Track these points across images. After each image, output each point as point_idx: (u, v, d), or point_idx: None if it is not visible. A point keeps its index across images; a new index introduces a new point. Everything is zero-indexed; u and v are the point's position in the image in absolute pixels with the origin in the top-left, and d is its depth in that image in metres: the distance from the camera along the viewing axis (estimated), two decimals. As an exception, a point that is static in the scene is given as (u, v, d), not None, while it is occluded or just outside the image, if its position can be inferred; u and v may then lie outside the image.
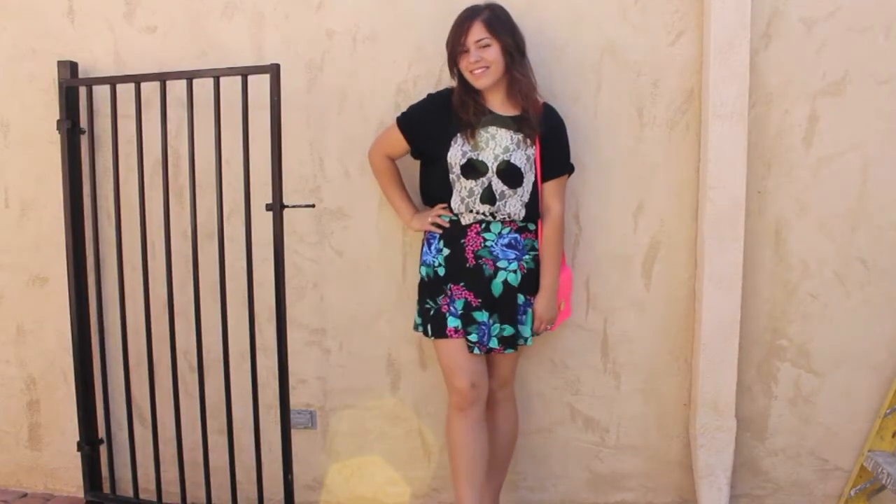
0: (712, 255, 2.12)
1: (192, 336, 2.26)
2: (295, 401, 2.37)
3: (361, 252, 2.33)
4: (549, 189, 2.05)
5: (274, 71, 2.03)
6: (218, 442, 2.31)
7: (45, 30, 2.38)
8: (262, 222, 2.20)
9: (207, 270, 2.27)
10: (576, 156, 2.21)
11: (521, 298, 2.05)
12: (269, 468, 2.29)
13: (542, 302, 2.06)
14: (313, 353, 2.39)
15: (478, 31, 1.92)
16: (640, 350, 2.28)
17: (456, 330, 2.01)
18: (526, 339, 2.07)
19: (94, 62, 2.36)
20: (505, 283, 2.02)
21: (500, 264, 2.02)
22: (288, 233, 2.27)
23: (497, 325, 2.03)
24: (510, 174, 1.99)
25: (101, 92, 2.32)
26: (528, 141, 2.00)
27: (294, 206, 2.13)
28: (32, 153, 2.43)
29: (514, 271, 2.03)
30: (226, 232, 2.23)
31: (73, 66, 2.32)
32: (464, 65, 1.96)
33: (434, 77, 2.22)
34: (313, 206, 2.21)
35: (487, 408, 2.10)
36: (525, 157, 2.00)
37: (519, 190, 2.01)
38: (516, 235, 2.04)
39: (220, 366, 2.26)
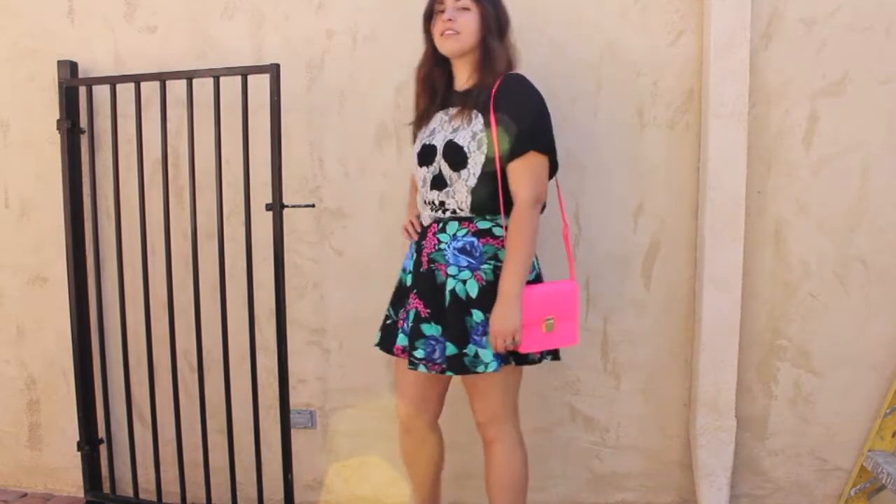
0: (712, 256, 2.12)
1: (192, 336, 2.26)
2: (295, 401, 2.38)
3: (361, 252, 2.33)
4: (511, 172, 1.71)
5: (274, 71, 2.03)
6: (218, 442, 2.31)
7: (45, 30, 2.38)
8: (262, 222, 2.20)
9: (207, 270, 2.27)
10: (576, 156, 2.21)
11: (478, 316, 1.71)
12: (269, 468, 2.30)
13: (495, 311, 1.67)
14: (313, 353, 2.39)
15: None
16: (640, 350, 2.28)
17: (403, 350, 1.80)
18: (487, 365, 1.69)
19: (94, 62, 2.37)
20: (453, 292, 1.72)
21: (449, 271, 1.73)
22: (288, 233, 2.27)
23: (448, 342, 1.71)
24: (453, 154, 1.74)
25: (101, 92, 2.32)
26: (474, 115, 1.74)
27: (294, 206, 2.13)
28: (32, 153, 2.44)
29: (465, 281, 1.72)
30: (226, 232, 2.23)
31: (73, 66, 2.32)
32: (437, 26, 1.77)
33: (434, 77, 2.22)
34: (313, 206, 2.22)
35: (484, 446, 1.89)
36: (470, 133, 1.73)
37: (463, 173, 1.73)
38: (472, 240, 1.74)
39: (220, 366, 2.26)
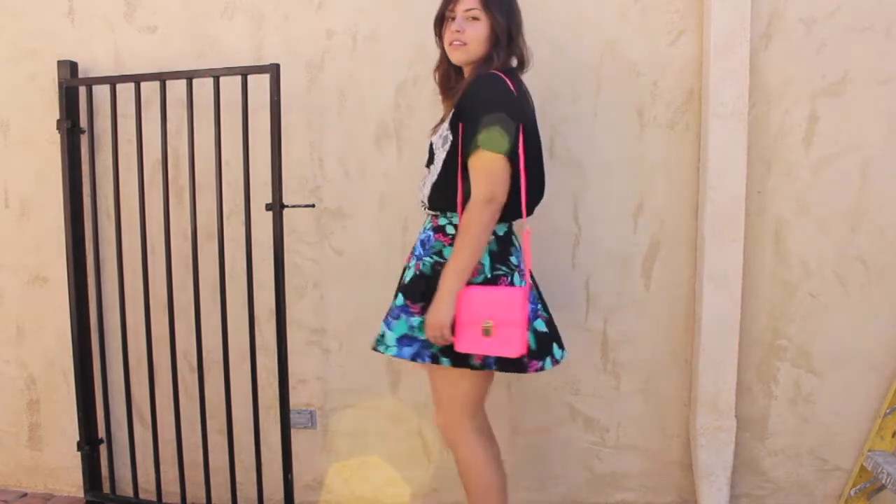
0: (712, 255, 2.12)
1: (192, 336, 2.26)
2: (295, 401, 2.38)
3: (361, 252, 2.33)
4: (469, 170, 1.69)
5: (274, 71, 2.03)
6: (218, 442, 2.31)
7: (45, 30, 2.38)
8: (262, 222, 2.20)
9: (207, 271, 2.27)
10: (576, 156, 2.21)
11: (400, 299, 1.77)
12: (269, 468, 2.30)
13: (431, 305, 1.69)
14: (313, 353, 2.39)
15: (470, 0, 1.73)
16: (640, 350, 2.28)
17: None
18: (388, 347, 1.74)
19: (94, 62, 2.36)
20: (402, 278, 1.83)
21: (410, 261, 1.83)
22: (288, 233, 2.27)
23: None
24: (429, 153, 1.82)
25: (101, 92, 2.32)
26: (451, 114, 1.76)
27: (294, 206, 2.13)
28: (32, 153, 2.44)
29: (410, 268, 1.80)
30: (226, 232, 2.23)
31: (73, 66, 2.32)
32: (446, 35, 1.78)
33: (434, 77, 2.22)
34: (313, 206, 2.22)
35: None
36: (438, 132, 1.80)
37: (432, 168, 1.79)
38: (430, 233, 1.80)
39: (220, 366, 2.26)
